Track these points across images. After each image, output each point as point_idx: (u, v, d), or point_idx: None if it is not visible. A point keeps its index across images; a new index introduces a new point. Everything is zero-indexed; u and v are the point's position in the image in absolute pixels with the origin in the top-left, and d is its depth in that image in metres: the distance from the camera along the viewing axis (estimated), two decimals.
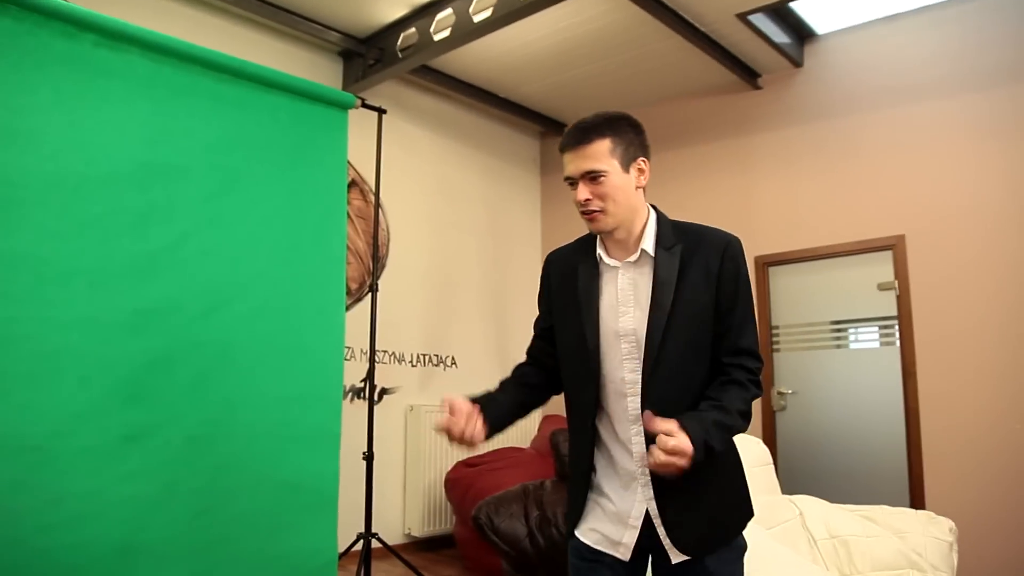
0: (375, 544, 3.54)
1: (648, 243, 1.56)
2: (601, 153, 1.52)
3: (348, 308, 4.34)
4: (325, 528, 2.90)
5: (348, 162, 4.37)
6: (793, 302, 4.52)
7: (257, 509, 2.72)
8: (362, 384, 4.26)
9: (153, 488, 2.51)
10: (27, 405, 2.31)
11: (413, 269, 4.70)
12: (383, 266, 4.56)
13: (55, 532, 2.32)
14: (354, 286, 4.42)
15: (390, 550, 3.61)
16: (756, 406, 4.54)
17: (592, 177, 1.53)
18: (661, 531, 1.50)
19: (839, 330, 4.40)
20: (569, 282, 1.64)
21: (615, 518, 1.54)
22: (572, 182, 1.56)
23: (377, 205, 3.79)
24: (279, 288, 2.91)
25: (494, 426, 1.58)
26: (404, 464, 4.49)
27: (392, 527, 4.39)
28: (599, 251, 1.61)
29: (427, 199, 4.83)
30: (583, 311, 1.58)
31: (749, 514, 1.60)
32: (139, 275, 2.57)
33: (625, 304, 1.56)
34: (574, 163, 1.54)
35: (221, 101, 2.84)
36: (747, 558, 1.89)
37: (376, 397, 4.41)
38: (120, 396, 2.49)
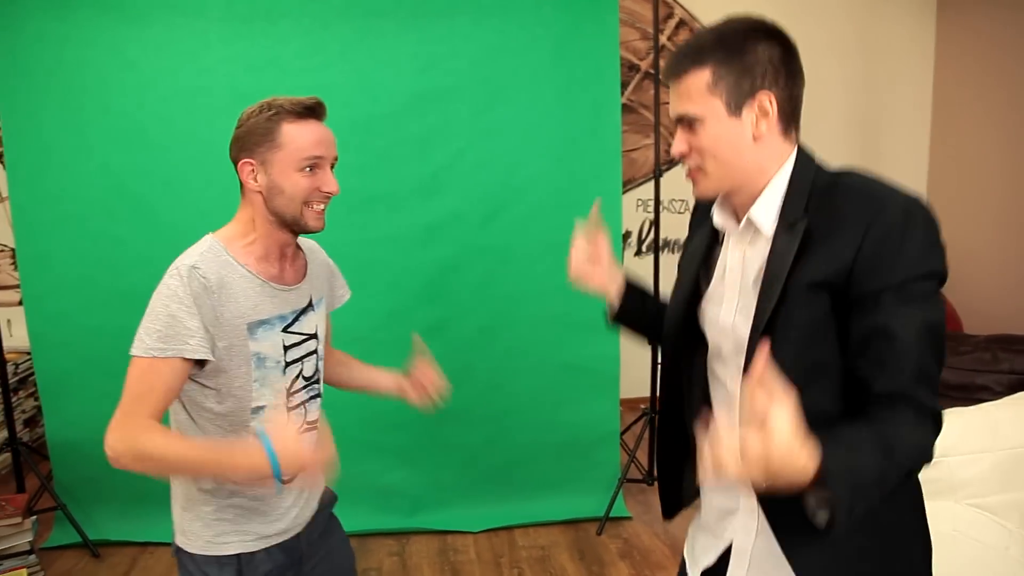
0: None
1: (761, 211, 1.12)
2: (696, 90, 1.10)
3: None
4: (607, 404, 3.20)
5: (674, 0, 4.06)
6: None
7: (542, 386, 3.13)
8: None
9: (452, 368, 3.04)
10: (354, 307, 3.00)
11: None
12: None
13: (385, 400, 3.08)
14: None
15: None
16: None
17: (687, 123, 1.13)
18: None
19: None
20: (694, 237, 1.32)
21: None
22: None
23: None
24: (555, 187, 3.05)
25: (630, 297, 1.44)
26: None
27: None
28: (715, 206, 1.22)
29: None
30: (682, 284, 1.29)
31: None
32: (426, 194, 2.99)
33: (730, 288, 1.18)
34: (671, 101, 1.16)
35: (482, 12, 2.91)
36: None
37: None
38: (421, 297, 3.04)
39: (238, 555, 1.41)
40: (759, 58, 1.08)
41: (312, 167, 1.38)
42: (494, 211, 3.02)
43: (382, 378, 1.77)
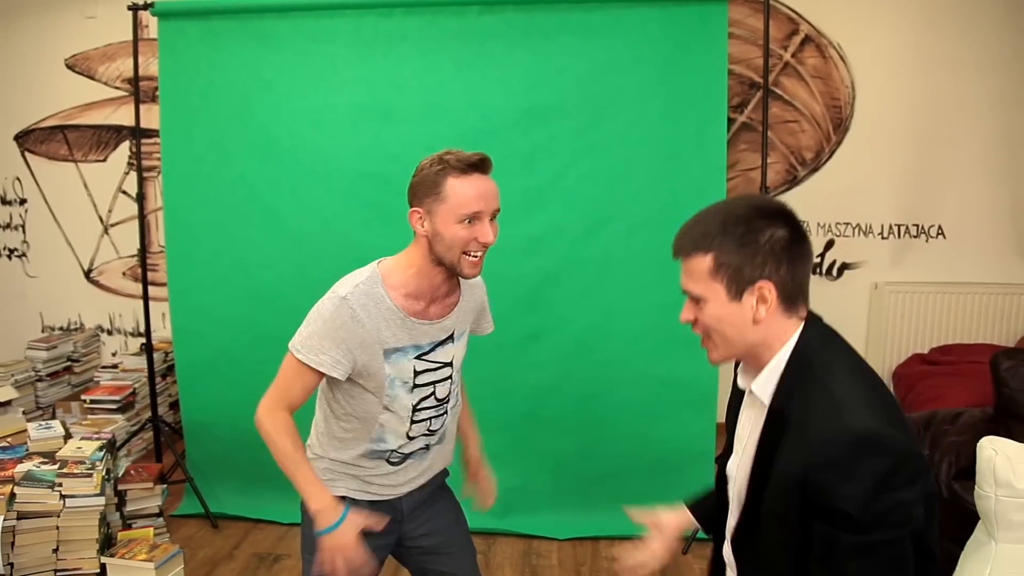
0: None
1: (761, 386, 1.20)
2: (699, 273, 1.17)
3: (803, 180, 4.12)
4: (702, 422, 3.15)
5: (799, 15, 3.96)
6: None
7: (637, 400, 3.13)
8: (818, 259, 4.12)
9: (549, 376, 3.16)
10: None
11: (886, 125, 4.05)
12: (845, 128, 4.07)
13: (483, 403, 3.17)
14: (809, 155, 4.10)
15: None
16: None
17: (693, 299, 1.21)
18: None
19: None
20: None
21: None
22: None
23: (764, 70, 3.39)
24: (657, 203, 3.06)
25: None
26: (865, 348, 4.18)
27: None
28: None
29: (906, 36, 3.98)
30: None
31: None
32: (530, 206, 3.08)
33: (739, 441, 1.29)
34: (681, 273, 1.23)
35: (590, 31, 2.99)
36: None
37: (835, 272, 4.18)
38: (521, 305, 3.13)
39: (344, 496, 1.67)
40: (761, 247, 1.13)
41: (471, 219, 1.51)
42: (596, 225, 3.07)
43: (470, 443, 1.99)
